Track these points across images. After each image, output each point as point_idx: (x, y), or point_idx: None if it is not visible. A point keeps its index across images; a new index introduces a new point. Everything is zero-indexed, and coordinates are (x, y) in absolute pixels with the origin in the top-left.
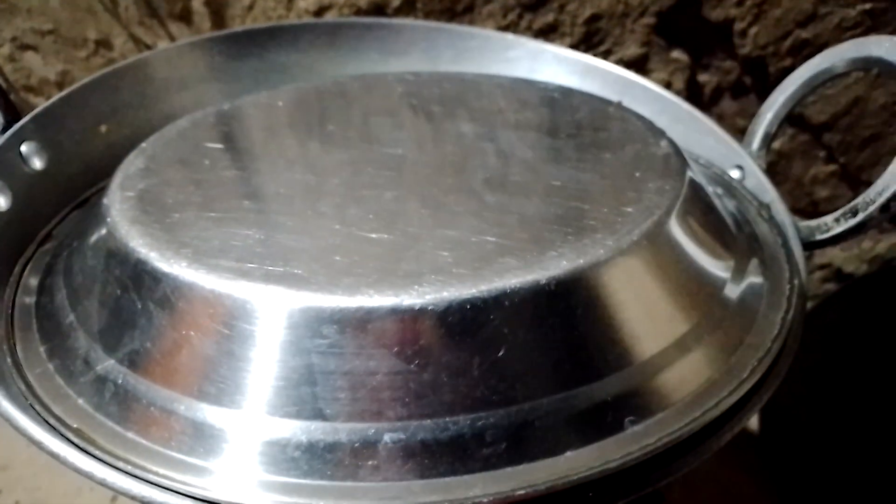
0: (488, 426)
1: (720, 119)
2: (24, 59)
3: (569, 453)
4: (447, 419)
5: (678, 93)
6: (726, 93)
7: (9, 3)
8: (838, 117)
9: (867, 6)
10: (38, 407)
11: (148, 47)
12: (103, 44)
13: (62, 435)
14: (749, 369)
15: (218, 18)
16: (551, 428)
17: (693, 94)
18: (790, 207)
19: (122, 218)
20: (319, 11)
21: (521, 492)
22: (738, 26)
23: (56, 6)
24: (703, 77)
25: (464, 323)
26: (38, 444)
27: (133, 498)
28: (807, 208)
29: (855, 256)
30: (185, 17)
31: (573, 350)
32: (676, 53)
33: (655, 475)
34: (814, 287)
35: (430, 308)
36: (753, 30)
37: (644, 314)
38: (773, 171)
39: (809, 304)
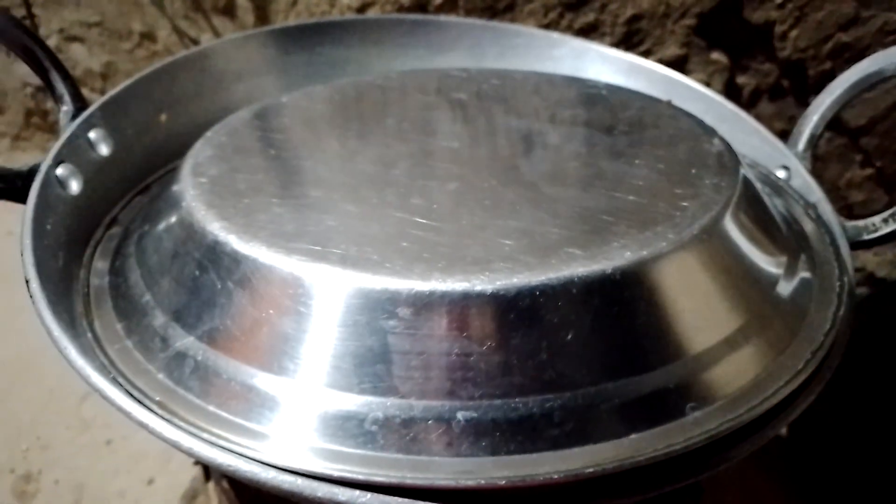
0: (556, 408)
1: (758, 121)
2: (70, 50)
3: (633, 436)
4: (517, 400)
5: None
6: (764, 95)
7: None
8: (877, 121)
9: None
10: (121, 380)
11: (192, 40)
12: (148, 36)
13: (147, 407)
14: (804, 361)
15: (261, 13)
16: (616, 411)
17: (731, 96)
18: None
19: (197, 202)
20: (362, 8)
21: (590, 470)
22: (779, 29)
23: None
24: (741, 79)
25: (533, 308)
26: (127, 415)
27: (218, 468)
28: (841, 212)
29: (888, 262)
30: (229, 11)
31: (636, 337)
32: (716, 55)
33: (715, 460)
34: None
35: (500, 293)
36: (794, 32)
37: (702, 305)
38: None
39: None
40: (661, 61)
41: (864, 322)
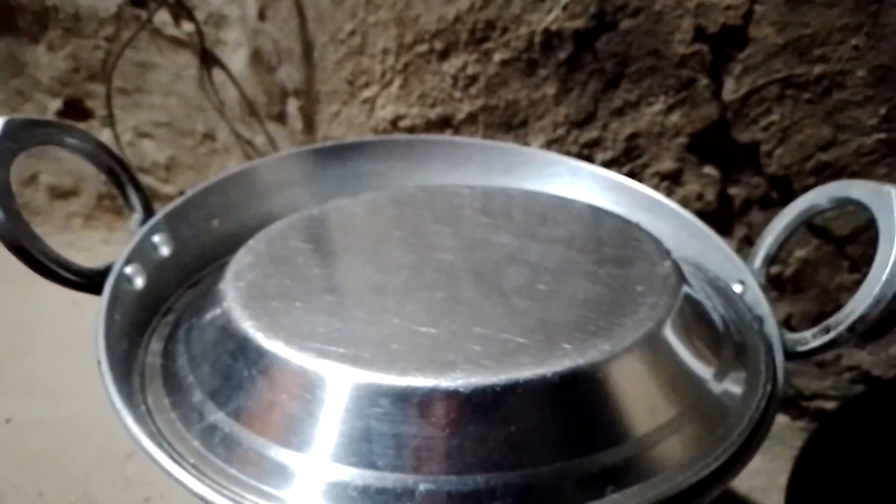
0: (499, 485)
1: (749, 228)
2: (141, 145)
3: None
4: (467, 476)
5: (709, 204)
6: (755, 205)
7: (134, 99)
8: (860, 231)
9: (882, 136)
10: (165, 445)
11: (247, 142)
12: (209, 136)
13: (183, 467)
14: (714, 455)
15: (309, 122)
16: (548, 490)
17: (724, 205)
18: (818, 312)
19: (235, 303)
20: (395, 120)
21: None
22: (765, 148)
23: (173, 103)
24: (732, 190)
25: (485, 403)
26: (168, 473)
27: None
28: (833, 312)
29: (882, 361)
30: (281, 118)
31: (570, 429)
32: (708, 169)
33: None
34: (843, 387)
35: (460, 390)
36: (778, 151)
37: (631, 405)
38: (800, 277)
39: (836, 404)
40: (657, 174)
41: (860, 419)
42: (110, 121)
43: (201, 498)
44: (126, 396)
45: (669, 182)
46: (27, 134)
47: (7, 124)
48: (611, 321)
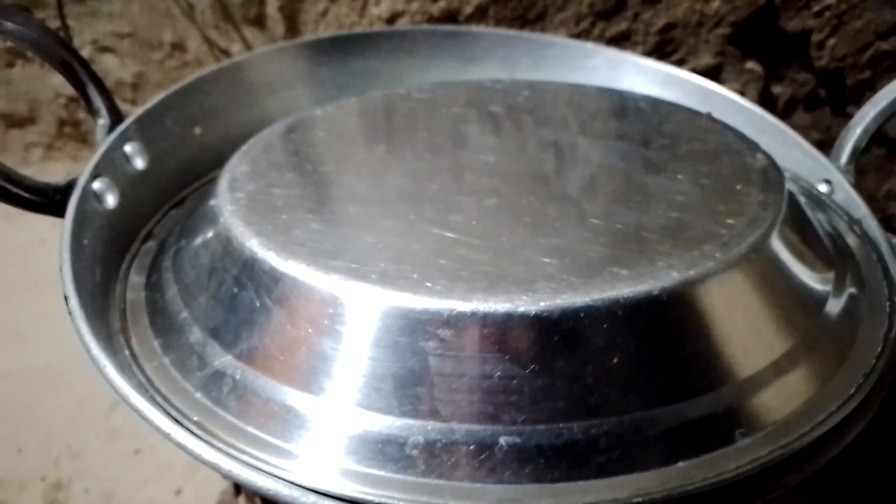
0: (602, 434)
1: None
2: (102, 61)
3: (681, 463)
4: (561, 425)
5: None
6: (800, 105)
7: (91, 8)
8: None
9: None
10: (159, 399)
11: (222, 51)
12: (178, 47)
13: (186, 427)
14: (855, 386)
15: (292, 24)
16: (663, 438)
17: (766, 105)
18: None
19: (235, 218)
20: (392, 18)
21: (638, 499)
22: (816, 38)
23: (136, 10)
24: (776, 88)
25: (577, 330)
26: (166, 436)
27: (258, 491)
28: (882, 222)
29: None
30: (259, 22)
31: (683, 361)
32: (751, 64)
33: (765, 487)
34: None
35: (544, 314)
36: (832, 41)
37: (751, 327)
38: None
39: None
40: (694, 71)
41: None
42: (65, 33)
43: (212, 466)
44: (105, 339)
45: (706, 79)
46: None
47: None
48: (713, 224)
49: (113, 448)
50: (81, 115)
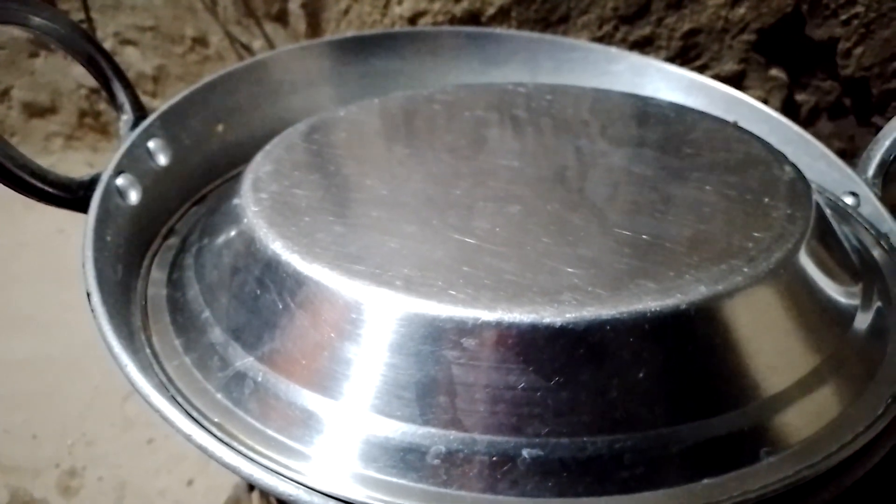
0: (626, 449)
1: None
2: (124, 53)
3: (706, 481)
4: (585, 439)
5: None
6: (823, 113)
7: (114, 0)
8: None
9: None
10: (180, 399)
11: (244, 46)
12: (200, 41)
13: (207, 429)
14: (884, 405)
15: (314, 21)
16: (688, 454)
17: (789, 114)
18: None
19: (259, 220)
20: (414, 18)
21: None
22: (843, 46)
23: (159, 4)
24: (800, 96)
25: (603, 343)
26: (188, 438)
27: (279, 496)
28: None
29: None
30: (282, 18)
31: (709, 377)
32: (775, 71)
33: None
34: None
35: (570, 326)
36: (858, 50)
37: (778, 343)
38: None
39: None
40: (717, 77)
41: None
42: (88, 26)
43: (232, 469)
44: (126, 337)
45: (730, 87)
46: None
47: None
48: (741, 238)
49: (127, 437)
50: (102, 106)
